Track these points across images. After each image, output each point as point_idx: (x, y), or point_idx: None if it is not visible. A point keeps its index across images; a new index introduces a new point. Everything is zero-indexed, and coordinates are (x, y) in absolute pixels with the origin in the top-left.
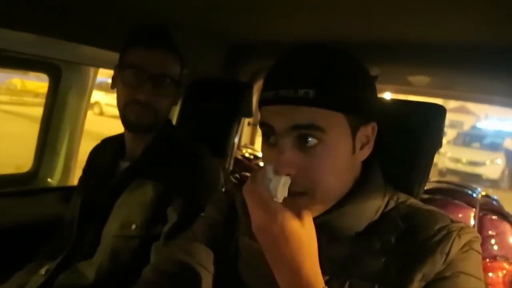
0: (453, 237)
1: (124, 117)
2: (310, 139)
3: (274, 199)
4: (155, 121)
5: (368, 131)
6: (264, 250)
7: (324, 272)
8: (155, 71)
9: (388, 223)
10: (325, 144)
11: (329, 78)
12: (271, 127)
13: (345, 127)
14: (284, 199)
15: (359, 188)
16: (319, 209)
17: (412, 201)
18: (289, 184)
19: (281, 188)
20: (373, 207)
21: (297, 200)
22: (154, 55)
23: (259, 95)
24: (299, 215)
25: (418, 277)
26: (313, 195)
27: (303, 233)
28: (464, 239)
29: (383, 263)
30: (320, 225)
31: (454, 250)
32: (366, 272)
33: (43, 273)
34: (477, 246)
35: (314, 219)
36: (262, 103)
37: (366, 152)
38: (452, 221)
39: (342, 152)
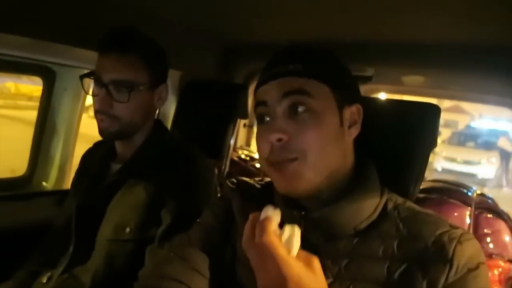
0: (454, 243)
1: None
2: (299, 108)
3: (290, 254)
4: (121, 129)
5: (354, 112)
6: None
7: (326, 275)
8: (109, 78)
9: (388, 225)
10: (313, 111)
11: (315, 56)
12: (264, 103)
13: (332, 100)
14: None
15: (355, 184)
16: (310, 178)
17: (410, 204)
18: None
19: (296, 239)
20: (370, 204)
21: (288, 166)
22: (106, 61)
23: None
24: (310, 265)
25: (422, 285)
26: (305, 158)
27: (317, 284)
28: (467, 247)
29: (386, 269)
30: (317, 220)
31: (458, 257)
32: (370, 276)
33: (45, 281)
34: (483, 257)
35: (311, 214)
36: (257, 86)
37: (354, 132)
38: (451, 226)
39: (329, 121)
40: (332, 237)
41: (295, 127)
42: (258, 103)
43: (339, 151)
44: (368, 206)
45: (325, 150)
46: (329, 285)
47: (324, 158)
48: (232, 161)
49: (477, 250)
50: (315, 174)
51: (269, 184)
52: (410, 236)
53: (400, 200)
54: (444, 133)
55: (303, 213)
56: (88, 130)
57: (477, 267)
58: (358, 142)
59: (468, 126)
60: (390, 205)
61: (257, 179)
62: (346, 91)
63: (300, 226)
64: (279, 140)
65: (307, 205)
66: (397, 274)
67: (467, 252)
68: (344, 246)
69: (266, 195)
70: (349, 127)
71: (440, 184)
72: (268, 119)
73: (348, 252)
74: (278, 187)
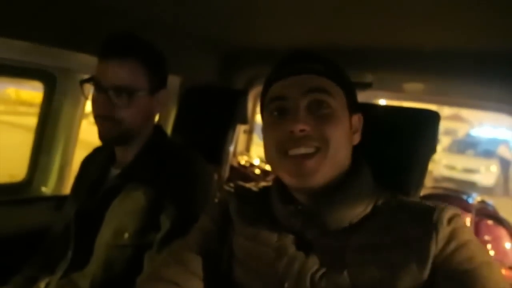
0: (436, 212)
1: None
2: (323, 105)
3: None
4: (121, 133)
5: (357, 120)
6: None
7: (320, 266)
8: (109, 83)
9: (380, 217)
10: (333, 110)
11: (331, 61)
12: (283, 98)
13: (345, 104)
14: None
15: (349, 180)
16: (325, 172)
17: (402, 197)
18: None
19: None
20: (364, 198)
21: (306, 161)
22: (108, 66)
23: (256, 99)
24: None
25: (416, 265)
26: (326, 150)
27: None
28: (449, 210)
29: (379, 254)
30: (313, 215)
31: (442, 219)
32: (364, 261)
33: (43, 286)
34: (460, 220)
35: (306, 208)
36: (273, 80)
37: (356, 139)
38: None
39: (344, 121)
40: (327, 231)
41: (316, 121)
42: (275, 98)
43: (347, 152)
44: (361, 203)
45: (341, 147)
46: (323, 274)
47: (340, 154)
48: (231, 167)
49: (457, 214)
50: (331, 168)
51: (266, 187)
52: (401, 224)
53: (392, 194)
54: (444, 141)
55: (300, 207)
56: (88, 137)
57: (464, 225)
58: (357, 147)
59: (468, 134)
60: (382, 199)
61: (253, 183)
62: (354, 99)
63: (297, 220)
64: (302, 130)
65: (302, 201)
66: (390, 261)
67: (449, 213)
68: (338, 240)
69: (263, 197)
70: (354, 133)
71: (440, 191)
72: (287, 114)
73: (340, 243)
74: (290, 180)
